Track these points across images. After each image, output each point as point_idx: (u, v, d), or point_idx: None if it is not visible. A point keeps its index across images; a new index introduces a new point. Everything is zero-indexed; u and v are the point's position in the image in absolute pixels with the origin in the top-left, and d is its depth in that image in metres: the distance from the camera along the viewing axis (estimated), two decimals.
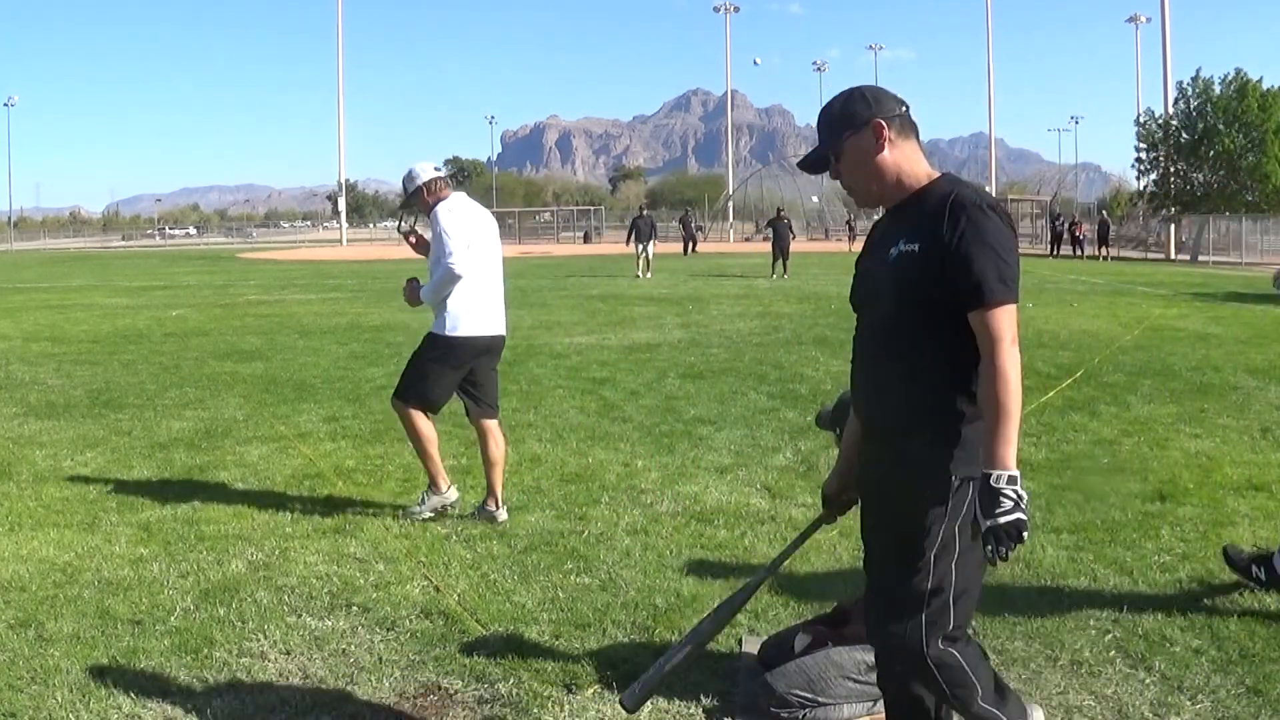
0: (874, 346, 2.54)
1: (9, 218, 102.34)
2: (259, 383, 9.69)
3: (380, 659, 3.68)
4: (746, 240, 63.57)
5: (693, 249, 41.45)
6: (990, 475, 2.27)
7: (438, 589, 4.31)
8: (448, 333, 5.19)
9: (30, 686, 3.45)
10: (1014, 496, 2.26)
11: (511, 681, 3.47)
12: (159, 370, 10.57)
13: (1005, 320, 2.31)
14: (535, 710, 3.30)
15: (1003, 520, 2.25)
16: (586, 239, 66.84)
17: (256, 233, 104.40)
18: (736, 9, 77.76)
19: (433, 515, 5.31)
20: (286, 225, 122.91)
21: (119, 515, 5.40)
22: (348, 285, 25.14)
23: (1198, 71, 42.70)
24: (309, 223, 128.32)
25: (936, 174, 2.50)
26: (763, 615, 4.01)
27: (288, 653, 3.73)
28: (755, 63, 77.10)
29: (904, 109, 2.49)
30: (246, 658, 3.68)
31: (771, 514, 5.38)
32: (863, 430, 2.65)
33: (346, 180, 75.80)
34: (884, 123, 2.43)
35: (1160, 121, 43.58)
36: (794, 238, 27.97)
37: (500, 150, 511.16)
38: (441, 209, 5.17)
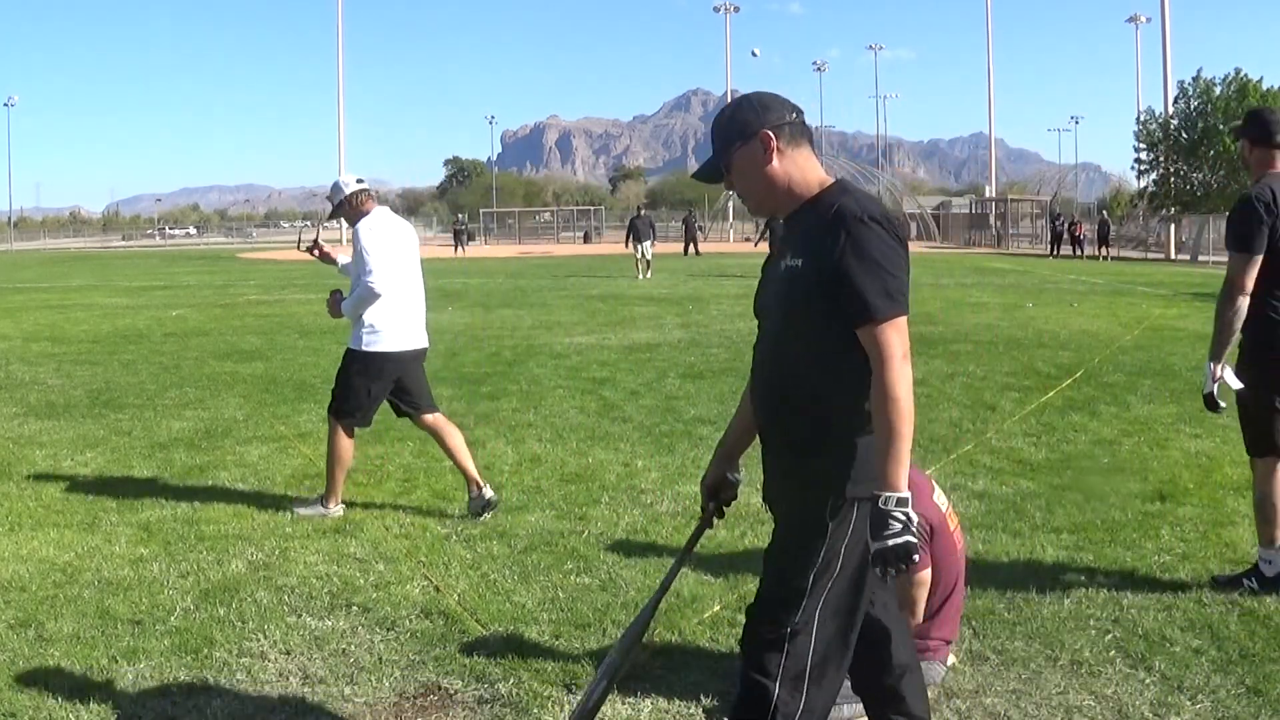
0: (767, 356, 2.50)
1: (9, 218, 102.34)
2: (259, 383, 9.69)
3: (380, 659, 3.68)
4: (746, 240, 63.56)
5: (695, 250, 41.33)
6: (879, 497, 2.22)
7: (438, 589, 4.31)
8: (365, 348, 5.28)
9: (30, 686, 3.45)
10: (903, 519, 2.21)
11: (511, 681, 3.47)
12: (159, 370, 10.58)
13: (893, 336, 2.25)
14: (535, 710, 3.30)
15: (890, 543, 2.20)
16: (586, 239, 66.87)
17: (256, 233, 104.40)
18: (736, 9, 77.74)
19: (309, 515, 5.34)
20: (286, 225, 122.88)
21: (119, 515, 5.41)
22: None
23: (1198, 72, 42.73)
24: (309, 223, 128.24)
25: (830, 181, 2.45)
26: None
27: (288, 653, 3.73)
28: (754, 54, 76.58)
29: (794, 116, 2.43)
30: (246, 658, 3.68)
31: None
32: (760, 438, 2.61)
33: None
34: (771, 133, 2.39)
35: (1160, 121, 43.57)
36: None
37: (500, 150, 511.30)
38: (363, 227, 5.26)
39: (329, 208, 5.49)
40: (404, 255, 5.35)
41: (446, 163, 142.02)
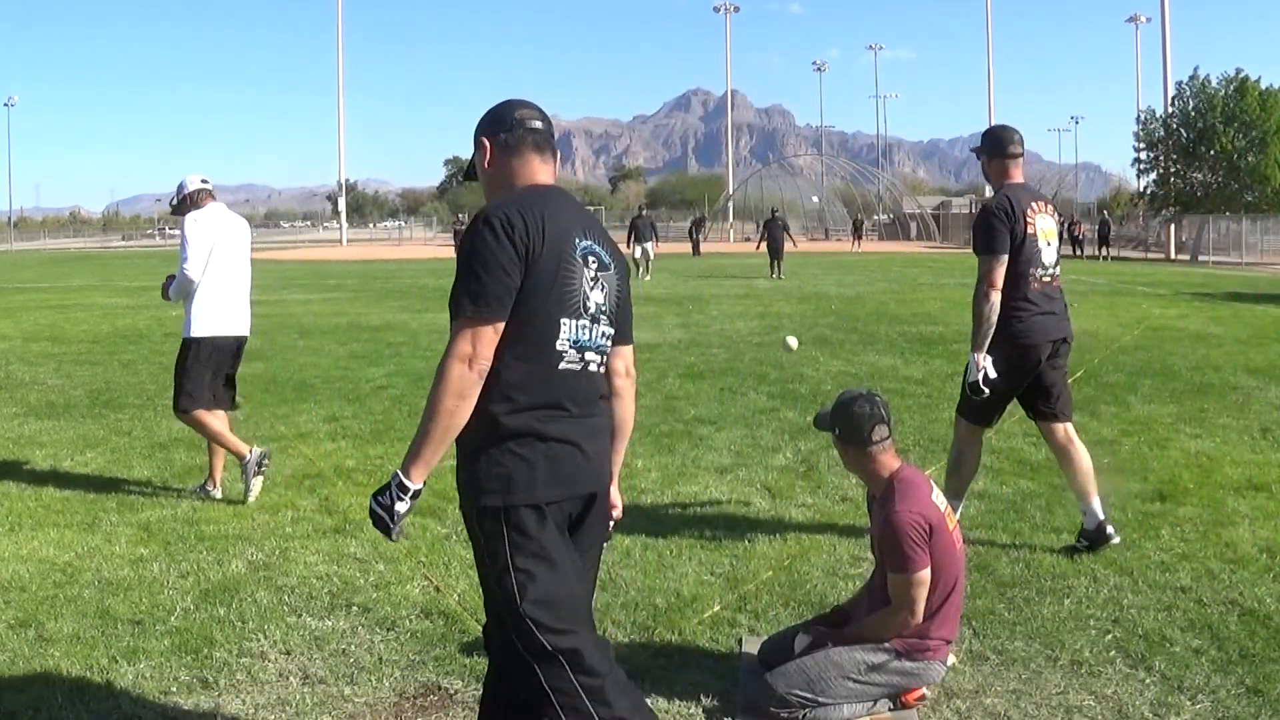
0: None
1: (9, 218, 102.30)
2: (259, 383, 9.68)
3: (380, 659, 3.68)
4: (747, 240, 63.59)
5: (697, 252, 41.70)
6: (395, 474, 2.41)
7: (438, 589, 4.31)
8: (192, 334, 5.64)
9: (30, 686, 3.45)
10: (387, 504, 2.42)
11: None
12: (159, 370, 10.57)
13: (458, 336, 2.29)
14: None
15: (377, 510, 2.46)
16: None
17: (257, 233, 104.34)
18: (736, 9, 77.77)
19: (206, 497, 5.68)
20: (286, 225, 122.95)
21: (119, 515, 5.40)
22: (348, 285, 25.14)
23: (1195, 70, 42.69)
24: (309, 223, 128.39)
25: (536, 184, 2.53)
26: (763, 615, 4.01)
27: (288, 653, 3.73)
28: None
29: (512, 130, 2.53)
30: (246, 658, 3.68)
31: (771, 514, 5.38)
32: None
33: (346, 180, 75.81)
34: (487, 140, 2.55)
35: (1160, 121, 43.55)
36: (791, 240, 27.65)
37: None
38: (188, 219, 5.62)
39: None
40: (229, 249, 5.70)
41: (446, 163, 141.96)
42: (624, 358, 2.62)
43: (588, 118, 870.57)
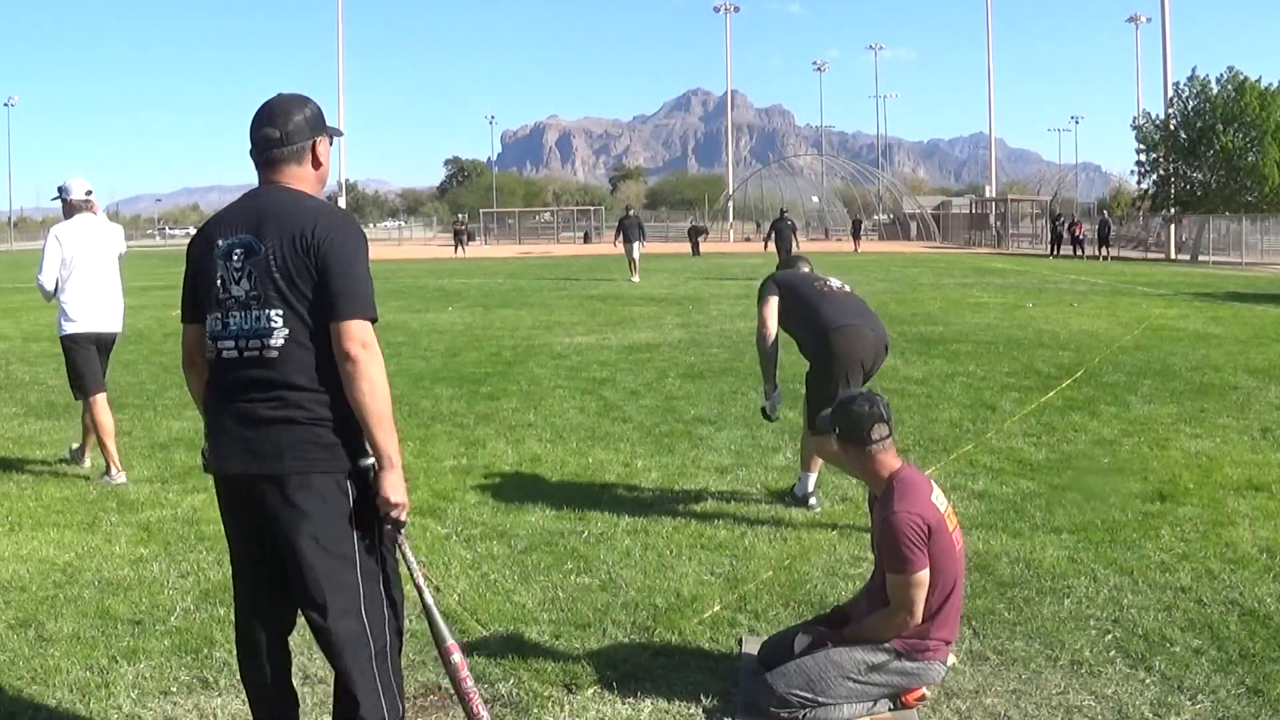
0: None
1: (9, 218, 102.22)
2: None
3: None
4: (747, 240, 63.57)
5: (696, 253, 41.58)
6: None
7: (438, 589, 4.31)
8: (63, 332, 6.19)
9: (30, 686, 3.45)
10: None
11: (511, 681, 3.47)
12: (159, 370, 10.57)
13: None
14: (535, 710, 3.30)
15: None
16: (586, 239, 66.83)
17: None
18: (736, 9, 77.74)
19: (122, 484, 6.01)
20: None
21: (119, 515, 5.41)
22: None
23: (1194, 71, 42.66)
24: None
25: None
26: (763, 615, 4.01)
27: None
28: None
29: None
30: None
31: (771, 514, 5.38)
32: None
33: (346, 180, 75.82)
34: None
35: (1158, 123, 43.52)
36: (797, 241, 27.31)
37: (500, 150, 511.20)
38: (53, 230, 6.20)
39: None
40: (92, 256, 6.19)
41: (446, 163, 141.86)
42: (337, 337, 2.51)
43: (588, 118, 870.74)
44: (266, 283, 2.55)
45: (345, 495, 2.58)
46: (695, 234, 45.48)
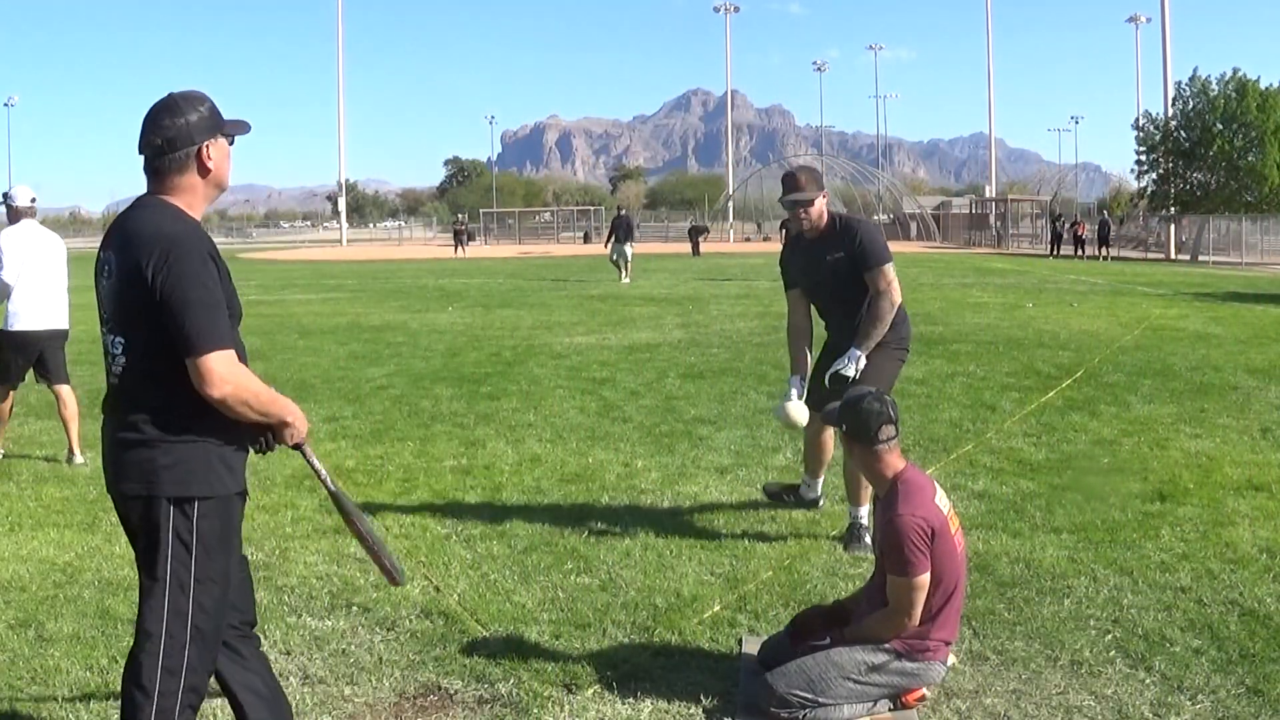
0: None
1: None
2: None
3: (380, 659, 3.68)
4: (747, 240, 63.57)
5: (696, 253, 41.53)
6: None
7: (438, 589, 4.31)
8: (9, 328, 6.56)
9: (30, 686, 3.45)
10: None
11: (511, 681, 3.47)
12: None
13: None
14: (535, 710, 3.30)
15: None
16: (586, 239, 66.86)
17: (256, 233, 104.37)
18: (736, 9, 77.72)
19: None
20: (286, 225, 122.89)
21: None
22: (348, 285, 25.14)
23: (1194, 71, 42.66)
24: (309, 223, 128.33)
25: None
26: (763, 615, 4.01)
27: (288, 653, 3.73)
28: None
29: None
30: None
31: (771, 514, 5.38)
32: None
33: (346, 180, 75.81)
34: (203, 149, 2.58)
35: (1158, 124, 43.53)
36: None
37: (500, 150, 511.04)
38: (5, 233, 6.50)
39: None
40: (41, 258, 6.56)
41: (446, 163, 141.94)
42: (195, 377, 2.43)
43: (588, 118, 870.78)
44: (114, 307, 2.56)
45: (168, 521, 2.51)
46: (696, 233, 45.38)
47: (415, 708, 3.35)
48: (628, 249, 25.18)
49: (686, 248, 43.92)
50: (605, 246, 26.30)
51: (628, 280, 24.33)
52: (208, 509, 2.54)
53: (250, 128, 2.71)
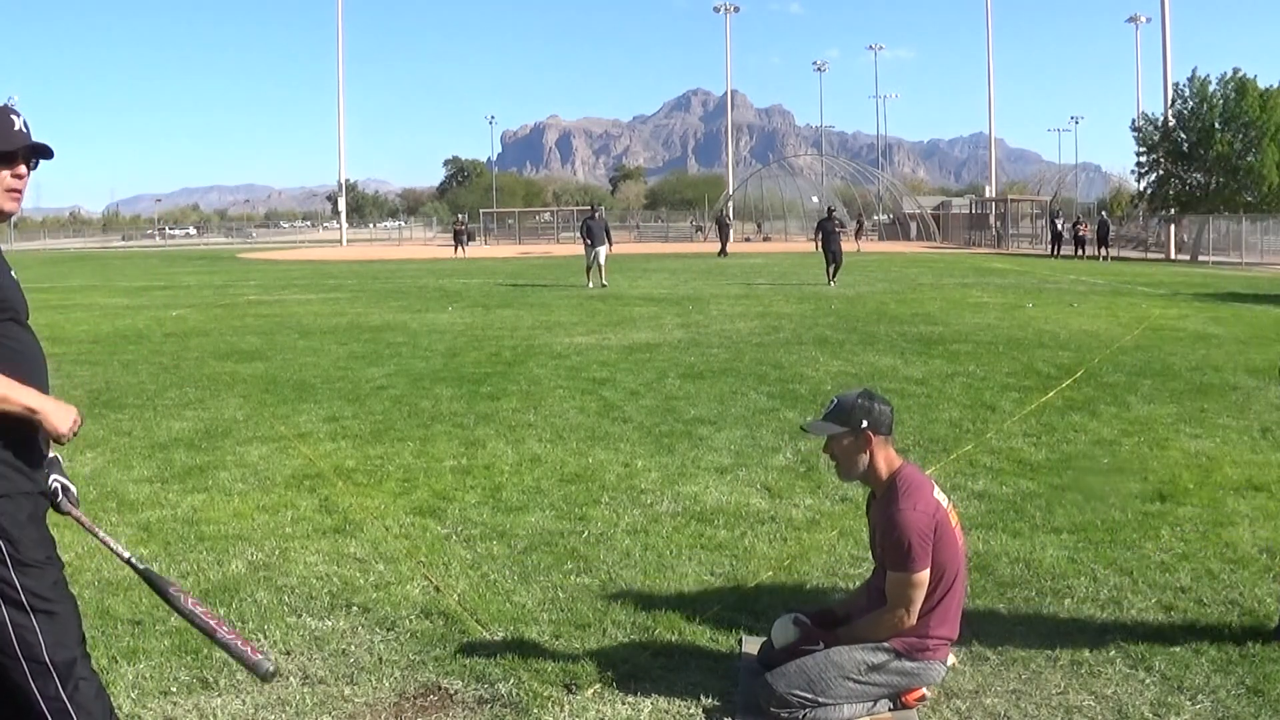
0: None
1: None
2: (259, 383, 9.69)
3: (380, 659, 3.68)
4: (747, 240, 63.55)
5: (724, 253, 40.44)
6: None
7: (438, 589, 4.31)
8: None
9: None
10: None
11: (511, 681, 3.47)
12: (159, 370, 10.57)
13: None
14: (535, 710, 3.30)
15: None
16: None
17: (256, 233, 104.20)
18: (736, 9, 77.68)
19: None
20: (286, 225, 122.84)
21: (119, 515, 5.40)
22: (348, 285, 25.14)
23: (1194, 71, 42.65)
24: (309, 223, 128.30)
25: None
26: (763, 615, 4.01)
27: (288, 653, 3.73)
28: None
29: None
30: None
31: (771, 514, 5.38)
32: None
33: (346, 180, 75.79)
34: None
35: (1157, 124, 43.52)
36: (844, 233, 25.19)
37: (500, 150, 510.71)
38: None
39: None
40: None
41: (446, 163, 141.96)
42: None
43: (588, 118, 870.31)
44: None
45: None
46: (724, 230, 43.83)
47: (415, 708, 3.35)
48: (602, 252, 22.92)
49: (692, 247, 43.49)
50: (588, 255, 23.67)
51: (605, 284, 22.44)
52: None
53: (50, 155, 2.55)
